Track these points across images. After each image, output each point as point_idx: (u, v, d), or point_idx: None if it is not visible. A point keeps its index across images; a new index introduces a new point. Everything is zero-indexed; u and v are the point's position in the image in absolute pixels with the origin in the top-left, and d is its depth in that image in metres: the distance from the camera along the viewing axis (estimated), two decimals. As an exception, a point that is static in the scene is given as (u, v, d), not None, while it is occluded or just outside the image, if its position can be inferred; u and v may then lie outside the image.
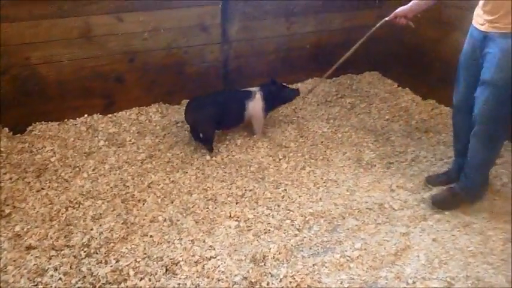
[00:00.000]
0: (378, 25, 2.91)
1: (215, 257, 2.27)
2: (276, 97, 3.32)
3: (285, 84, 3.49)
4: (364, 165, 3.07)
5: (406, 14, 2.77)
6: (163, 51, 3.52)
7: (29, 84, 3.19)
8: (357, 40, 3.03)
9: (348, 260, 2.28)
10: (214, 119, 3.10)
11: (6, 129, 3.17)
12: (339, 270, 2.23)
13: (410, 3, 2.75)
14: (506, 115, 2.39)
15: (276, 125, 3.49)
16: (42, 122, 3.28)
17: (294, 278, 2.15)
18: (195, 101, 3.17)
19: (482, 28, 2.36)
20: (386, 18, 2.86)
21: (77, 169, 2.89)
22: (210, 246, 2.34)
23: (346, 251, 2.34)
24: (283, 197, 2.74)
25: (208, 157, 3.08)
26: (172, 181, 2.84)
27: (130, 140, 3.20)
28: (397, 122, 3.58)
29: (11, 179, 2.75)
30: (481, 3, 2.37)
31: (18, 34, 3.04)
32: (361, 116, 3.69)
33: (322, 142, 3.31)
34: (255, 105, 3.23)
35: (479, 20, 2.38)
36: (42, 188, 2.72)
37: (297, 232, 2.47)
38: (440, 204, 2.66)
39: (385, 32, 2.92)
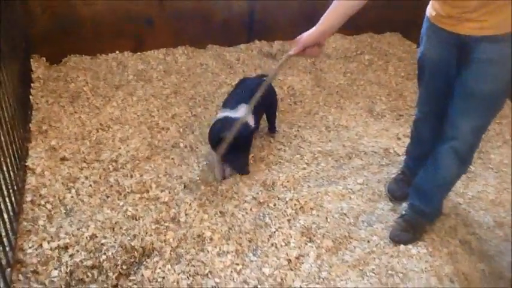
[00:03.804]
0: (281, 62, 2.19)
1: (229, 179, 2.50)
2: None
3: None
4: (375, 115, 3.24)
5: (317, 41, 2.00)
6: (194, -1, 3.68)
7: (66, 22, 3.41)
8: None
9: (349, 192, 2.49)
10: None
11: (44, 58, 3.40)
12: (340, 199, 2.44)
13: (318, 26, 1.99)
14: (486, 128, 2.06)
15: (295, 74, 3.64)
16: (77, 54, 3.52)
17: (299, 201, 2.37)
18: None
19: (461, 31, 1.86)
20: (291, 53, 2.07)
21: (107, 98, 3.13)
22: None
23: (348, 184, 2.54)
24: (295, 136, 2.94)
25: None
26: (194, 115, 3.06)
27: (157, 77, 3.42)
28: (412, 80, 3.70)
29: (47, 101, 3.00)
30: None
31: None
32: (378, 72, 3.82)
33: (337, 92, 3.47)
34: None
35: (451, 21, 1.89)
36: (76, 112, 2.96)
37: (305, 166, 2.68)
38: (403, 241, 2.23)
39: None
